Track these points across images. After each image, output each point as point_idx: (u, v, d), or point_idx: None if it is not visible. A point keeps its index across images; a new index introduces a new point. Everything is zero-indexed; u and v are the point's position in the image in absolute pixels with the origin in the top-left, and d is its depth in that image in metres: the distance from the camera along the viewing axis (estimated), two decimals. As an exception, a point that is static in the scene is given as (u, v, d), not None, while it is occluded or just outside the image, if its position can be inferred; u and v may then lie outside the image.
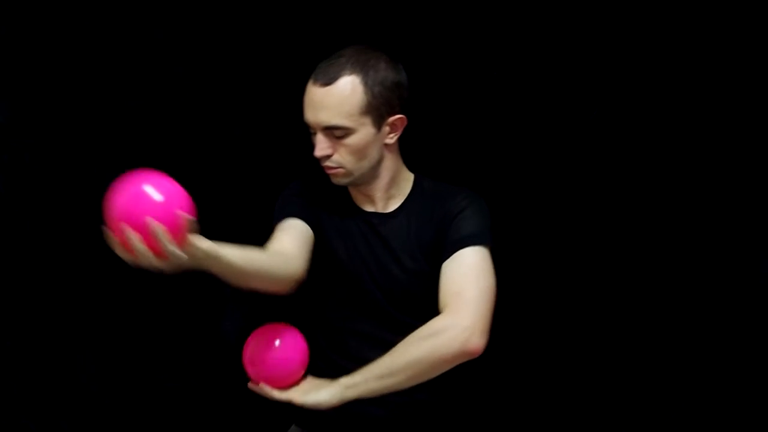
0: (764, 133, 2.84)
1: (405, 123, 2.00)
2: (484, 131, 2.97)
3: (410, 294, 2.01)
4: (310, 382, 1.97)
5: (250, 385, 1.95)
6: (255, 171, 3.01)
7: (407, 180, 2.08)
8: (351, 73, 1.92)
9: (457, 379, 2.07)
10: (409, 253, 2.01)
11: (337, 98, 1.91)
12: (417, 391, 1.98)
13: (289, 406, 2.00)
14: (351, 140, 1.93)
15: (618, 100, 2.91)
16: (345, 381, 1.89)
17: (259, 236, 2.11)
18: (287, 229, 2.00)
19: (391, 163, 2.03)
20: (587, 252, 2.96)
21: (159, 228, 1.61)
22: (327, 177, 2.05)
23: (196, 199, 2.99)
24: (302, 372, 1.99)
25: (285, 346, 1.97)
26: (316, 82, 1.93)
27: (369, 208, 2.06)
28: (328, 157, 1.96)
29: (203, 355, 3.03)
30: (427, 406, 2.07)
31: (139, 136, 2.96)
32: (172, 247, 1.61)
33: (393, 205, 2.06)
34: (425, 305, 1.97)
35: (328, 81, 1.91)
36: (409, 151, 2.12)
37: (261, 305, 2.94)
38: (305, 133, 3.00)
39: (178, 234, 1.64)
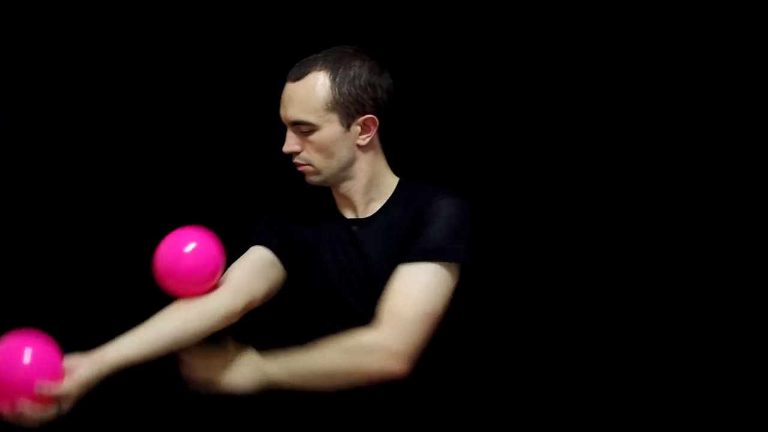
0: (764, 133, 2.84)
1: (377, 124, 1.96)
2: (486, 130, 2.97)
3: None
4: (231, 357, 1.94)
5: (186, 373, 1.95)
6: (255, 172, 3.01)
7: (389, 184, 2.03)
8: (320, 70, 1.92)
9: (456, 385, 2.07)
10: (388, 259, 1.95)
11: (303, 93, 1.92)
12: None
13: (292, 410, 1.99)
14: (316, 137, 1.93)
15: (619, 98, 2.92)
16: (269, 369, 1.90)
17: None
18: (243, 261, 2.04)
19: (366, 165, 1.99)
20: (588, 250, 2.96)
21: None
22: (314, 187, 2.05)
23: (195, 199, 3.00)
24: (219, 272, 1.93)
25: (198, 249, 1.91)
26: (289, 78, 1.95)
27: (349, 215, 2.02)
28: (297, 153, 1.96)
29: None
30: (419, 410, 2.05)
31: (139, 137, 2.96)
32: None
33: (372, 210, 2.02)
34: None
35: (298, 77, 1.93)
36: (409, 152, 2.12)
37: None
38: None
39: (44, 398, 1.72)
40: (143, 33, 2.93)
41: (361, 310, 1.95)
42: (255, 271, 2.01)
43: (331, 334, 1.92)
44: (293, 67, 1.95)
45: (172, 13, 2.93)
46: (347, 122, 1.93)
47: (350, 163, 1.97)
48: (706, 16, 2.83)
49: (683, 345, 2.92)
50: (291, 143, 1.95)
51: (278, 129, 3.01)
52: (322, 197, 2.07)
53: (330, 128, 1.93)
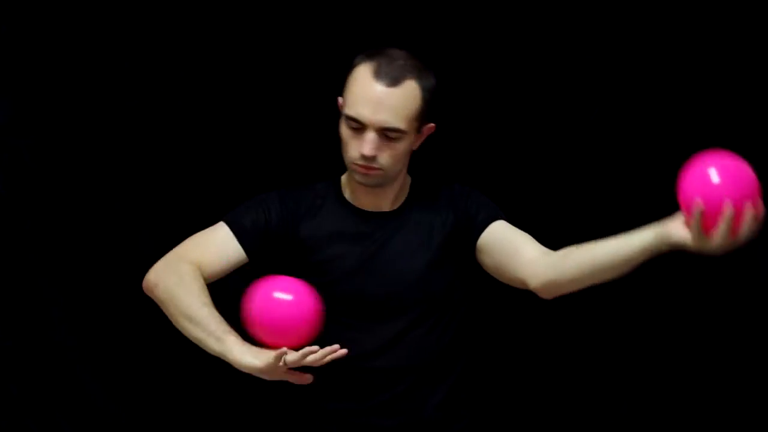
0: (764, 133, 2.85)
1: (432, 131, 2.01)
2: (484, 131, 2.97)
3: (424, 289, 1.99)
4: None
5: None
6: (255, 171, 3.01)
7: (408, 182, 2.08)
8: (412, 78, 1.91)
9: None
10: (426, 245, 2.00)
11: (401, 101, 1.89)
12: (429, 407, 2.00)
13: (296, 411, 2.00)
14: (402, 143, 1.92)
15: (618, 100, 2.92)
16: None
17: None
18: (211, 244, 2.07)
19: (405, 167, 2.03)
20: (587, 252, 2.96)
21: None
22: (318, 182, 2.06)
23: (195, 199, 3.00)
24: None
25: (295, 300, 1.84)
26: (379, 80, 1.89)
27: (371, 209, 2.03)
28: (374, 157, 1.92)
29: (203, 354, 3.02)
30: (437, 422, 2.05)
31: (139, 136, 2.96)
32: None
33: (397, 204, 2.05)
34: (440, 299, 1.98)
35: (394, 82, 1.89)
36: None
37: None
38: (305, 134, 3.01)
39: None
40: (143, 33, 2.93)
41: (394, 298, 1.97)
42: (222, 260, 2.06)
43: (344, 325, 1.94)
44: (381, 69, 1.89)
45: (171, 12, 2.93)
46: (420, 129, 1.96)
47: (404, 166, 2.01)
48: (706, 16, 2.84)
49: (683, 345, 2.92)
50: (373, 147, 1.90)
51: (279, 129, 3.02)
52: (326, 193, 2.07)
53: (413, 135, 1.95)
